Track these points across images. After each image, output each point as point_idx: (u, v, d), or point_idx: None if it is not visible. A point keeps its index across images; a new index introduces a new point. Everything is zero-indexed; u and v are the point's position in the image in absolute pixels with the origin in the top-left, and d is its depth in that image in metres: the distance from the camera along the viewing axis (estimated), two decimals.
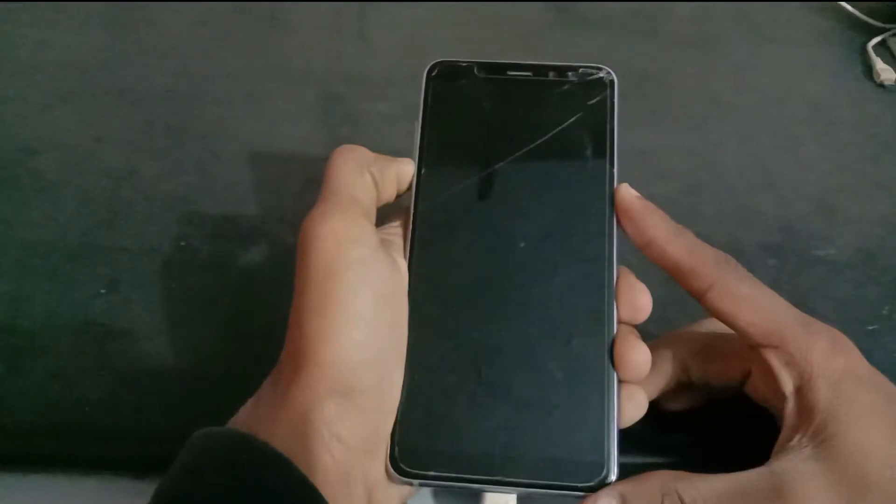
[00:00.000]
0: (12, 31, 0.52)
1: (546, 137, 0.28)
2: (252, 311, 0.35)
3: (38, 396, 0.32)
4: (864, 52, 0.50)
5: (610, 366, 0.25)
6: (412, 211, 0.27)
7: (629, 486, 0.24)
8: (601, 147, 0.27)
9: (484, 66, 0.29)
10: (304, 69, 0.49)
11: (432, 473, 0.23)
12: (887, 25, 0.51)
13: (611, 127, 0.28)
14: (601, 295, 0.25)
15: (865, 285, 0.36)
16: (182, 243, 0.38)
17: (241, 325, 0.34)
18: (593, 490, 0.23)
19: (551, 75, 0.29)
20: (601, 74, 0.29)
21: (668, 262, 0.26)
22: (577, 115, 0.28)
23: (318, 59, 0.50)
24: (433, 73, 0.30)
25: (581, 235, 0.26)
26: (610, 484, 0.23)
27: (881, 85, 0.47)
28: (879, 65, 0.48)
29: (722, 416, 0.29)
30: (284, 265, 0.37)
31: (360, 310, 0.24)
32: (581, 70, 0.29)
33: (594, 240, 0.26)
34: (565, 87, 0.29)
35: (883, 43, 0.50)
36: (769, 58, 0.50)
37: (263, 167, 0.43)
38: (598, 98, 0.28)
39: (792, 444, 0.23)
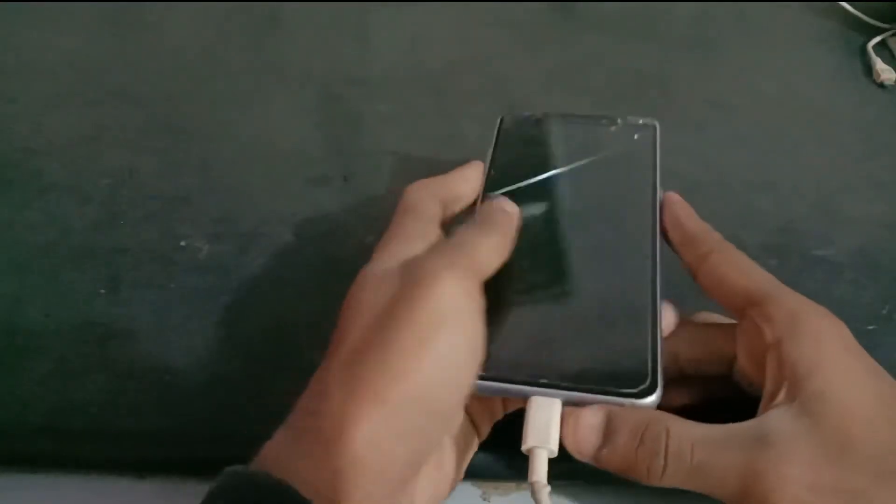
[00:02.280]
0: (12, 31, 0.52)
1: (602, 156, 0.33)
2: (252, 311, 0.35)
3: (38, 396, 0.31)
4: (864, 52, 0.50)
5: (655, 286, 0.27)
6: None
7: (619, 409, 0.24)
8: (647, 167, 0.32)
9: (547, 115, 0.35)
10: (304, 69, 0.49)
11: (483, 374, 0.24)
12: (887, 25, 0.51)
13: (654, 153, 0.32)
14: (646, 244, 0.29)
15: (865, 285, 0.36)
16: (182, 243, 0.38)
17: (241, 325, 0.34)
18: (636, 397, 0.24)
19: (604, 121, 0.34)
20: (646, 121, 0.34)
21: (685, 232, 0.29)
22: (627, 145, 0.33)
23: (318, 59, 0.50)
24: (503, 123, 0.35)
25: (628, 208, 0.30)
26: (654, 392, 0.24)
27: (881, 85, 0.47)
28: (879, 65, 0.48)
29: (721, 413, 0.29)
30: (284, 265, 0.38)
31: (455, 362, 0.23)
32: (629, 117, 0.34)
33: (641, 214, 0.30)
34: (615, 128, 0.34)
35: (883, 43, 0.50)
36: (769, 58, 0.50)
37: (263, 167, 0.43)
38: (643, 134, 0.33)
39: (778, 399, 0.23)
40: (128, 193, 0.41)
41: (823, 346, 0.24)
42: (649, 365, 0.25)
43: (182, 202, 0.40)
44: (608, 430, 0.24)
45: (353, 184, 0.42)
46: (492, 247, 0.27)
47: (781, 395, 0.23)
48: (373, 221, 0.39)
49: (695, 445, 0.22)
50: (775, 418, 0.23)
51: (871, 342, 0.25)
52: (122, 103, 0.47)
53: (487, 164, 0.32)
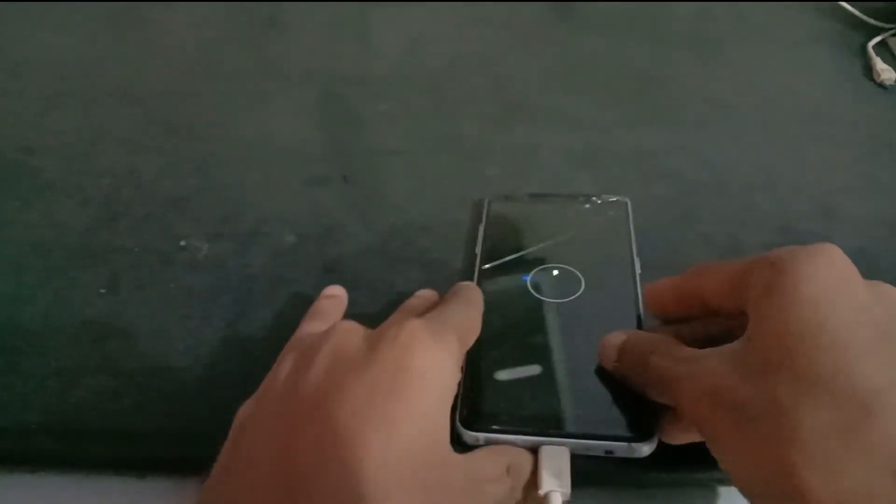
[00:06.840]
0: (12, 31, 0.52)
1: (582, 234, 0.35)
2: (252, 311, 0.35)
3: (38, 396, 0.32)
4: (864, 52, 0.50)
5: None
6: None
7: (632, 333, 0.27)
8: (624, 239, 0.35)
9: (529, 195, 0.38)
10: (304, 69, 0.49)
11: (495, 428, 0.27)
12: (887, 25, 0.51)
13: (628, 229, 0.35)
14: (633, 306, 0.31)
15: None
16: (182, 243, 0.38)
17: (241, 325, 0.34)
18: (637, 441, 0.26)
19: (580, 199, 0.37)
20: (618, 198, 0.37)
21: (687, 306, 0.27)
22: (605, 222, 0.36)
23: (318, 59, 0.50)
24: (490, 203, 0.38)
25: (611, 274, 0.33)
26: (652, 437, 0.26)
27: (881, 85, 0.47)
28: (879, 65, 0.48)
29: None
30: (284, 265, 0.38)
31: None
32: (603, 196, 0.37)
33: (624, 284, 0.32)
34: (590, 206, 0.37)
35: (883, 43, 0.51)
36: (769, 58, 0.50)
37: (263, 167, 0.43)
38: (617, 211, 0.36)
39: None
40: (128, 193, 0.41)
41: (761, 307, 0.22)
42: (643, 410, 0.26)
43: (182, 202, 0.40)
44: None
45: (353, 184, 0.42)
46: (471, 319, 0.28)
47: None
48: (373, 221, 0.39)
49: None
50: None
51: None
52: (122, 103, 0.47)
53: (479, 244, 0.35)
